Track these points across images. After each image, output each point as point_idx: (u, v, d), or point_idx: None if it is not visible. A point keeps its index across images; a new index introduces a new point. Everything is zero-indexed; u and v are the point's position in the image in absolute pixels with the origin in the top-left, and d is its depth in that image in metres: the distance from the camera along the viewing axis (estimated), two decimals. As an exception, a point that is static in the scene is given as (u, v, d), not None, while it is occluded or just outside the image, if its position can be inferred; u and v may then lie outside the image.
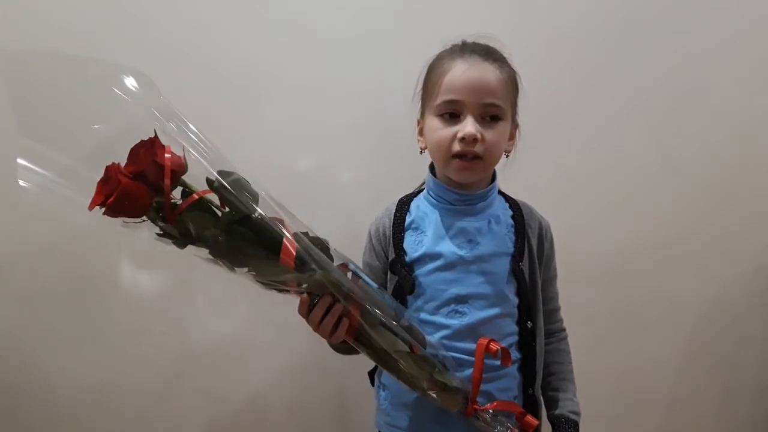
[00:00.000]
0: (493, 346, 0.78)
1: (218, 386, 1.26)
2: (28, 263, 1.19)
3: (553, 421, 0.90)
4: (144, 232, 0.64)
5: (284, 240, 0.65)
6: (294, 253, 0.65)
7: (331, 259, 0.74)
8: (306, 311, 0.74)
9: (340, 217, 1.18)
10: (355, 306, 0.73)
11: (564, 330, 0.97)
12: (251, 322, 1.22)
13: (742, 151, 1.28)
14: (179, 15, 1.17)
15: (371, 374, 0.98)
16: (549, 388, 0.93)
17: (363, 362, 0.81)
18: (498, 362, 0.81)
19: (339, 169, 1.23)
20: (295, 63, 1.19)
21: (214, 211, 0.65)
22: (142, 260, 1.21)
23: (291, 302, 0.75)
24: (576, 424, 0.88)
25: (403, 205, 0.94)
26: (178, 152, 0.64)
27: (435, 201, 0.91)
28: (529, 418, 0.81)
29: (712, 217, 1.29)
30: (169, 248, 0.67)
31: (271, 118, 1.20)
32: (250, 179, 0.70)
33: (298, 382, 1.26)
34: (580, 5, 1.22)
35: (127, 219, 0.62)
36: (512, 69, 0.88)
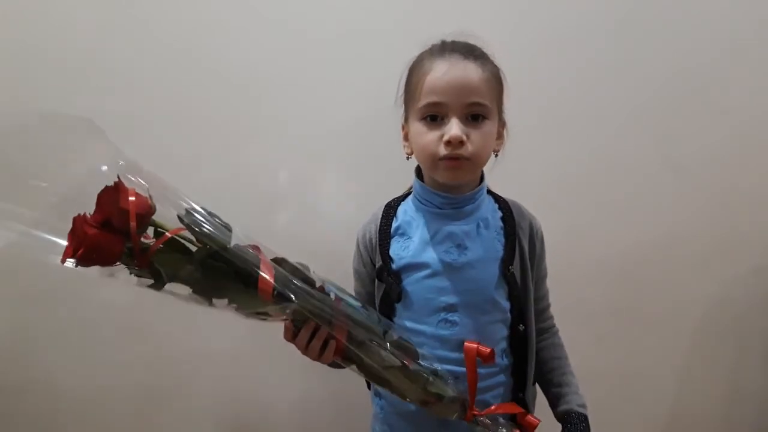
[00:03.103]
0: (483, 350, 0.77)
1: (220, 388, 1.26)
2: (28, 263, 1.19)
3: (563, 416, 0.86)
4: (123, 274, 0.63)
5: (260, 273, 0.64)
6: (272, 284, 0.64)
7: (312, 282, 0.72)
8: (291, 336, 0.74)
9: (342, 216, 1.18)
10: (340, 329, 0.71)
11: (555, 326, 0.95)
12: (253, 325, 1.21)
13: (742, 151, 1.28)
14: (179, 15, 1.17)
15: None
16: (552, 385, 0.90)
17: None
18: (487, 371, 0.81)
19: (339, 169, 1.23)
20: (294, 63, 1.19)
21: (186, 248, 0.63)
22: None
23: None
24: (586, 418, 0.84)
25: (390, 209, 0.91)
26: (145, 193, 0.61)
27: (422, 205, 0.88)
28: (530, 418, 0.80)
29: (712, 217, 1.29)
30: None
31: (270, 118, 1.20)
32: (219, 213, 0.68)
33: (299, 384, 1.26)
34: (580, 5, 1.22)
35: (102, 267, 0.61)
36: (495, 65, 0.84)
